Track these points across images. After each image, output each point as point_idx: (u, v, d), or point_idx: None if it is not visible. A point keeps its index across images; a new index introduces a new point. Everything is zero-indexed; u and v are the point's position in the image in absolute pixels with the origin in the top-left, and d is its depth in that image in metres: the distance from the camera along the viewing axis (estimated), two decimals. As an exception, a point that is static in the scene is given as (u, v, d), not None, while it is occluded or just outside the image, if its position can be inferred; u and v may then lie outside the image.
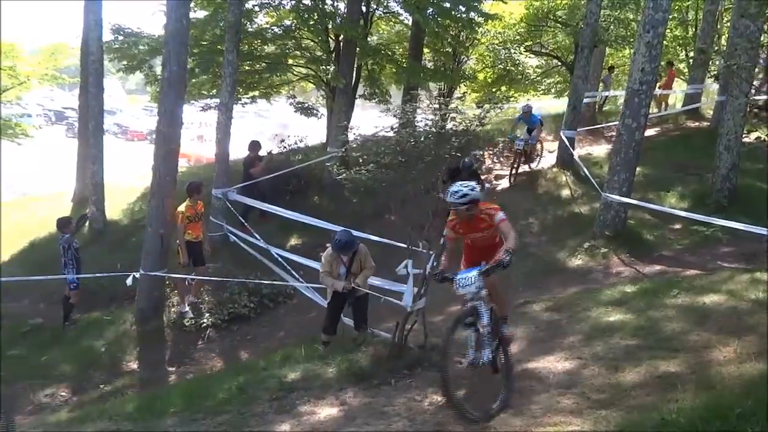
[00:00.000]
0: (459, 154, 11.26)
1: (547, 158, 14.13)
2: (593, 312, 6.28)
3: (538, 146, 13.61)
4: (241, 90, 14.38)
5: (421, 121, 13.30)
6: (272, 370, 5.81)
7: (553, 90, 21.65)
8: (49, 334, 9.22)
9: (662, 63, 14.47)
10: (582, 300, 6.91)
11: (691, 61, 18.53)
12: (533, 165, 13.45)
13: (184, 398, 5.51)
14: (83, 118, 14.99)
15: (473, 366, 4.35)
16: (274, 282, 9.46)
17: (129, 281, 8.77)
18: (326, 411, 4.76)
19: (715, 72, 15.33)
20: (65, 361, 8.49)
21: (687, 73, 18.99)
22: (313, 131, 16.13)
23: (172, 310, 9.39)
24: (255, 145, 12.32)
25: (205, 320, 9.06)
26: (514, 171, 13.14)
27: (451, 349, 4.36)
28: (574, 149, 12.87)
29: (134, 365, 8.47)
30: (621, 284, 7.48)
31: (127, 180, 16.59)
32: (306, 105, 16.29)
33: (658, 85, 15.42)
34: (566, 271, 9.08)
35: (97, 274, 9.29)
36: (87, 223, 12.14)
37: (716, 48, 16.08)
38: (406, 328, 5.68)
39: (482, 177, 12.04)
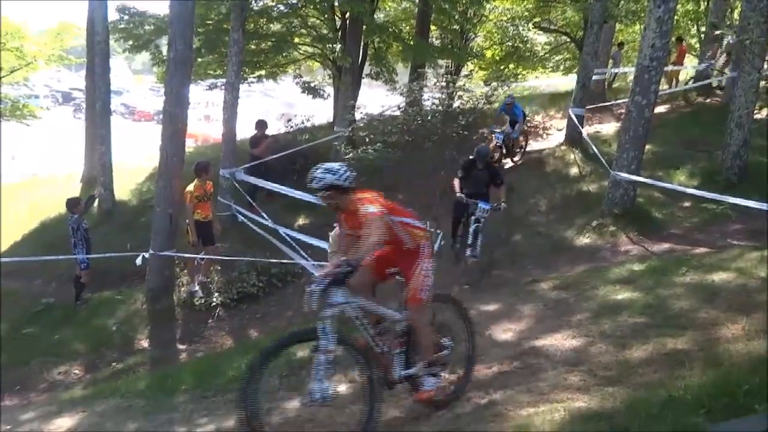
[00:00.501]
0: (466, 133, 11.07)
1: (556, 136, 14.03)
2: (601, 290, 6.29)
3: (521, 139, 12.84)
4: (247, 69, 14.32)
5: (428, 99, 13.24)
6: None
7: (561, 67, 21.43)
8: (60, 313, 9.34)
9: (673, 38, 14.26)
10: (590, 278, 6.91)
11: (702, 36, 18.25)
12: (515, 159, 12.75)
13: (195, 376, 5.59)
14: (90, 98, 15.00)
15: (312, 402, 3.56)
16: (283, 261, 9.51)
17: (139, 261, 8.86)
18: (335, 388, 4.81)
19: (727, 47, 15.09)
20: (77, 339, 8.61)
21: (698, 49, 18.72)
22: (320, 110, 16.07)
23: (182, 289, 9.48)
24: (261, 124, 12.30)
25: (214, 299, 9.15)
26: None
27: (256, 382, 3.51)
28: (582, 127, 12.75)
29: (145, 343, 8.58)
30: (629, 262, 7.47)
31: (135, 160, 16.65)
32: (312, 85, 16.19)
33: (671, 61, 15.21)
34: (574, 250, 9.07)
35: (107, 254, 9.37)
36: (96, 204, 12.21)
37: (728, 22, 15.79)
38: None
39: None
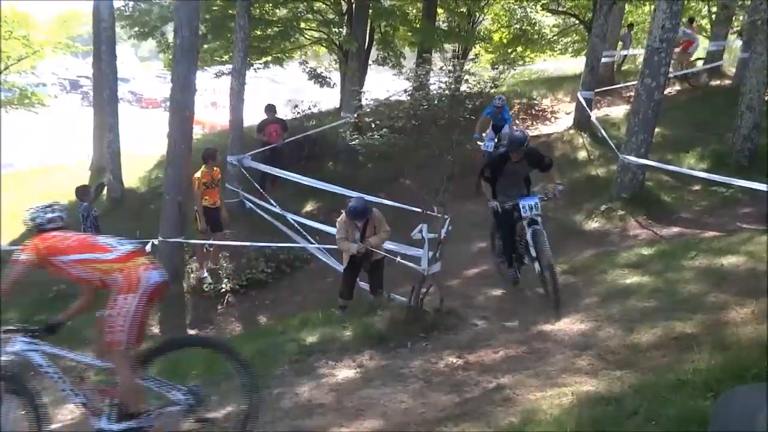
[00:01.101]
0: (473, 117, 10.85)
1: (564, 120, 13.94)
2: (609, 274, 6.28)
3: None
4: (253, 55, 14.27)
5: (435, 83, 13.14)
6: (290, 334, 5.92)
7: (570, 50, 21.18)
8: (72, 300, 9.41)
9: (684, 19, 14.06)
10: (598, 262, 6.90)
11: (713, 17, 17.98)
12: None
13: (205, 361, 5.63)
14: (98, 86, 15.04)
15: None
16: (292, 244, 9.53)
17: (148, 248, 8.90)
18: (344, 373, 4.85)
19: (738, 28, 14.88)
20: (90, 325, 8.67)
21: (709, 30, 18.45)
22: (327, 96, 16.02)
23: (192, 276, 9.55)
24: (270, 109, 12.30)
25: (223, 286, 9.20)
26: None
27: None
28: (591, 110, 12.65)
29: (156, 329, 8.65)
30: (638, 247, 7.45)
31: (143, 148, 16.70)
32: (319, 72, 16.11)
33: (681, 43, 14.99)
34: (583, 234, 9.04)
35: (117, 242, 9.42)
36: (105, 191, 12.27)
37: (740, 2, 15.54)
38: (422, 292, 5.74)
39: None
